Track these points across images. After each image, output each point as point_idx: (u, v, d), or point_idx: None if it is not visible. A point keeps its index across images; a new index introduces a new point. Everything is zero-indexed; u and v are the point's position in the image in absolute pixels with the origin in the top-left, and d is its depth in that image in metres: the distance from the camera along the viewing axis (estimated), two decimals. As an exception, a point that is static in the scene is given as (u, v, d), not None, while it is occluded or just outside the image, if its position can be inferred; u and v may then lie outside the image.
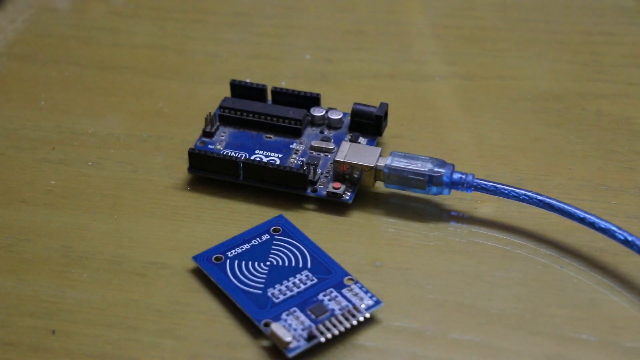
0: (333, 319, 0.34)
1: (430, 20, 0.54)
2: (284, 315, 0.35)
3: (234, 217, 0.40)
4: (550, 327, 0.35)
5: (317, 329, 0.34)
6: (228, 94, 0.45)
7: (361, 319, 0.35)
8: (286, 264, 0.37)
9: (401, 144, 0.44)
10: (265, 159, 0.42)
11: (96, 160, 0.43)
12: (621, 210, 0.40)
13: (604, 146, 0.43)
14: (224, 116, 0.43)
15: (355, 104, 0.43)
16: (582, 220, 0.37)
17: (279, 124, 0.43)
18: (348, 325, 0.34)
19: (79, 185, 0.42)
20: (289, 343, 0.33)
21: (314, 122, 0.43)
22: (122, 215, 0.40)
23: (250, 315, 0.35)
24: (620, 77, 0.48)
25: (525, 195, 0.38)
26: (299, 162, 0.41)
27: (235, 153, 0.42)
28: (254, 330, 0.35)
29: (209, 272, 0.37)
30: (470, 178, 0.39)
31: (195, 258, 0.37)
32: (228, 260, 0.37)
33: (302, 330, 0.34)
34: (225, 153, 0.42)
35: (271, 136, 0.43)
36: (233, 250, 0.37)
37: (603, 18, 0.53)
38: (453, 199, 0.40)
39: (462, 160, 0.41)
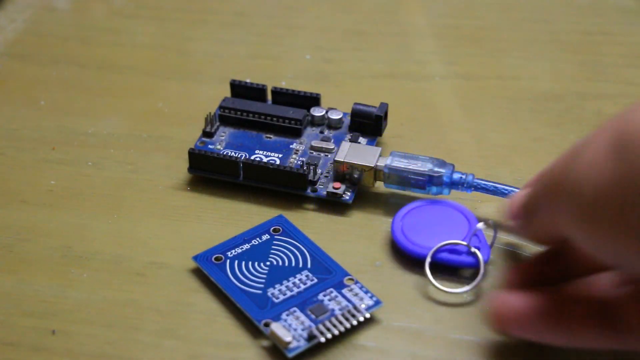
0: (333, 319, 0.34)
1: (430, 20, 0.54)
2: (284, 315, 0.35)
3: (234, 217, 0.40)
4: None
5: (317, 329, 0.34)
6: (228, 94, 0.45)
7: (361, 319, 0.35)
8: (286, 264, 0.37)
9: (401, 144, 0.44)
10: (265, 159, 0.42)
11: (96, 160, 0.43)
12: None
13: (604, 146, 0.43)
14: (224, 116, 0.43)
15: (355, 104, 0.43)
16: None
17: (279, 124, 0.43)
18: (348, 325, 0.34)
19: (79, 185, 0.42)
20: (289, 343, 0.33)
21: (314, 122, 0.43)
22: (122, 215, 0.40)
23: (250, 315, 0.35)
24: (620, 77, 0.48)
25: (525, 195, 0.38)
26: (299, 162, 0.41)
27: (235, 153, 0.42)
28: (254, 330, 0.35)
29: (209, 272, 0.37)
30: (470, 178, 0.39)
31: (195, 258, 0.37)
32: (228, 260, 0.37)
33: (302, 330, 0.34)
34: (225, 153, 0.42)
35: (271, 136, 0.43)
36: (233, 250, 0.37)
37: (603, 18, 0.53)
38: (453, 199, 0.40)
39: (462, 160, 0.41)
